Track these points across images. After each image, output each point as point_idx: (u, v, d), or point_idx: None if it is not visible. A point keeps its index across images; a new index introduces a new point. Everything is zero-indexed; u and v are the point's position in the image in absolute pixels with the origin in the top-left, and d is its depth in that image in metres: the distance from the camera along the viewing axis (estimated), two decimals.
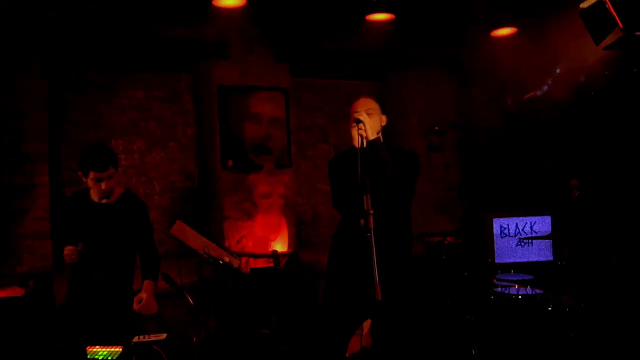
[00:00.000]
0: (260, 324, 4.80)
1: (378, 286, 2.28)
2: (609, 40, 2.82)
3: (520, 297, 3.72)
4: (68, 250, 2.76)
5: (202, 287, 3.47)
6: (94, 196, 2.96)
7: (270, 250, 4.97)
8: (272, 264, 4.86)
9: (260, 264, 5.09)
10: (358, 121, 2.70)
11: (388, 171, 2.74)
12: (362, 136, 2.68)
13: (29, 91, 4.58)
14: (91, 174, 2.81)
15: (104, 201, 2.96)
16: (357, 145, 2.67)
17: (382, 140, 2.92)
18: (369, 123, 2.73)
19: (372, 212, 2.39)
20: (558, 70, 6.47)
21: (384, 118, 2.93)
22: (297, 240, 5.60)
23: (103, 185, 2.84)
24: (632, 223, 4.16)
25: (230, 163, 5.09)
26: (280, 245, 5.16)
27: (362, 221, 2.42)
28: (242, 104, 5.20)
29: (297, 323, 4.84)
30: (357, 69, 6.10)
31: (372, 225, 2.37)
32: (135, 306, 2.79)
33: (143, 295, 2.83)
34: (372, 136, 2.74)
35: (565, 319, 3.62)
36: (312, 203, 6.12)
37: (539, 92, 6.68)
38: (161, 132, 5.38)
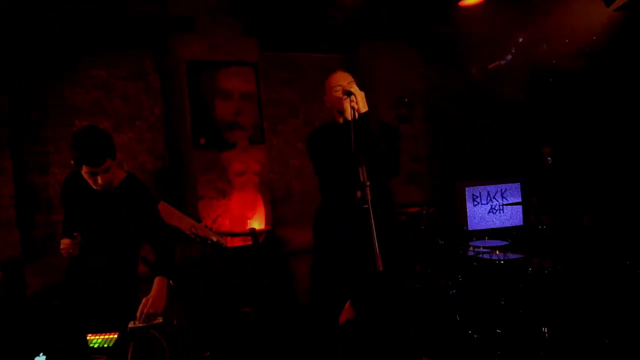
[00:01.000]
0: (241, 303, 4.76)
1: (379, 257, 2.26)
2: (620, 1, 2.83)
3: (502, 262, 3.81)
4: (64, 244, 2.53)
5: (188, 268, 3.39)
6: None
7: (247, 228, 4.90)
8: (248, 242, 4.81)
9: (237, 242, 5.03)
10: (349, 93, 2.66)
11: (380, 143, 2.72)
12: (354, 108, 2.64)
13: None
14: (84, 168, 2.49)
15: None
16: (349, 118, 2.64)
17: None
18: (360, 95, 2.70)
19: (368, 183, 2.37)
20: (520, 40, 6.57)
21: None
22: (273, 217, 5.55)
23: (99, 180, 2.52)
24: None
25: (202, 141, 4.96)
26: (257, 223, 5.10)
27: (358, 193, 2.39)
28: (211, 80, 5.05)
29: (279, 301, 4.83)
30: (326, 42, 6.01)
31: (369, 197, 2.34)
32: (138, 312, 2.42)
33: (149, 296, 2.51)
34: (363, 109, 2.71)
35: (546, 281, 3.74)
36: (284, 180, 6.06)
37: (503, 62, 6.79)
38: (127, 111, 5.16)
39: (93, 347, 2.27)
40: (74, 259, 2.67)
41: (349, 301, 4.65)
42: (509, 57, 6.69)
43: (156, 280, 2.61)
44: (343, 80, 2.80)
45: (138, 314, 2.40)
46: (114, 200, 2.70)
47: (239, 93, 5.19)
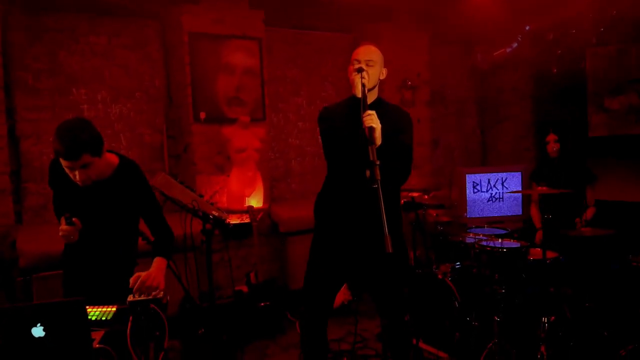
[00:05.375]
0: (237, 281, 4.72)
1: (388, 238, 2.20)
2: None
3: (504, 250, 3.77)
4: (64, 231, 2.41)
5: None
6: None
7: (245, 206, 4.83)
8: (244, 220, 4.74)
9: (233, 219, 4.96)
10: (361, 70, 2.58)
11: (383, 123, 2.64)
12: (364, 85, 2.56)
13: None
14: (62, 161, 2.35)
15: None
16: (359, 95, 2.56)
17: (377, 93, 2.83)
18: (369, 74, 2.62)
19: (378, 162, 2.30)
20: (527, 27, 6.50)
21: (384, 71, 2.80)
22: (270, 196, 5.49)
23: (77, 175, 2.37)
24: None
25: (202, 115, 4.86)
26: (255, 201, 5.03)
27: (367, 172, 2.32)
28: (214, 54, 4.93)
29: (273, 279, 4.79)
30: (331, 20, 5.90)
31: (379, 177, 2.27)
32: (132, 282, 2.35)
33: (149, 272, 2.42)
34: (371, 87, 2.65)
35: (547, 271, 3.71)
36: (284, 158, 5.98)
37: (508, 50, 6.72)
38: (127, 81, 5.04)
39: (90, 319, 2.21)
40: (69, 250, 2.67)
41: (345, 284, 4.63)
42: (515, 44, 6.62)
43: (156, 259, 2.55)
44: (363, 56, 2.69)
45: (132, 283, 2.34)
46: (108, 190, 2.59)
47: (242, 68, 5.08)
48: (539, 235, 4.51)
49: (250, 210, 4.61)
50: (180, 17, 4.83)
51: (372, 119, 2.40)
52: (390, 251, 2.19)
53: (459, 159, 7.18)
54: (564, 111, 6.34)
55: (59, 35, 4.75)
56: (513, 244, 3.91)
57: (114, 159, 2.65)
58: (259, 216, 4.69)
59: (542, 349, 3.41)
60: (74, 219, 2.44)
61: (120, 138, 5.03)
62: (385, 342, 3.19)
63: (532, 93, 6.91)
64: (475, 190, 5.63)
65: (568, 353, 3.50)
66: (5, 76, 4.40)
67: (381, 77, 2.78)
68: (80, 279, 2.70)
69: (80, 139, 2.31)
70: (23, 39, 4.59)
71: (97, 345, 2.00)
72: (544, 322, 3.48)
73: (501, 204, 5.64)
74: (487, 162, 7.40)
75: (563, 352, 3.49)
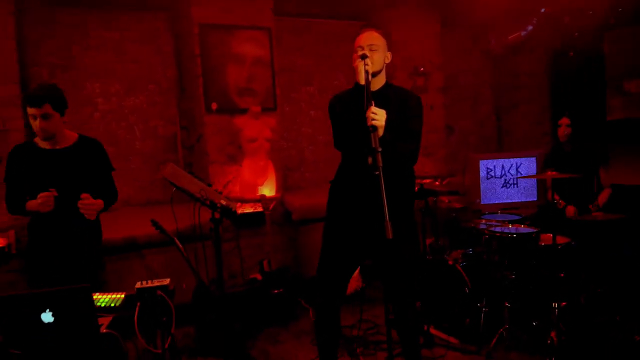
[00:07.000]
0: (251, 269, 4.79)
1: (388, 224, 2.22)
2: None
3: (514, 235, 3.75)
4: (44, 197, 2.65)
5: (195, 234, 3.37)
6: (41, 143, 2.86)
7: (258, 195, 4.88)
8: (257, 209, 4.79)
9: (247, 208, 5.02)
10: (364, 56, 2.58)
11: (392, 109, 2.64)
12: (367, 72, 2.56)
13: None
14: (28, 109, 2.72)
15: (57, 147, 2.85)
16: (362, 82, 2.56)
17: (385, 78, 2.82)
18: (372, 60, 2.62)
19: (380, 149, 2.31)
20: (543, 10, 6.38)
21: (388, 55, 2.79)
22: (283, 185, 5.53)
23: (37, 123, 2.72)
24: None
25: (214, 106, 4.90)
26: (267, 190, 5.07)
27: (369, 159, 2.34)
28: (224, 44, 4.95)
29: (286, 267, 4.84)
30: (341, 8, 5.87)
31: (380, 163, 2.28)
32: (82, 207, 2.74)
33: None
34: (376, 71, 2.65)
35: (558, 256, 3.68)
36: (297, 148, 6.01)
37: (523, 33, 6.61)
38: (140, 74, 5.11)
39: (100, 306, 2.28)
40: (35, 223, 2.87)
41: (358, 270, 4.65)
42: (530, 28, 6.51)
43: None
44: (365, 41, 2.70)
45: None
46: (71, 159, 2.86)
47: (252, 58, 5.10)
48: (570, 210, 4.40)
49: (262, 199, 4.66)
50: (190, 8, 4.86)
51: (375, 117, 2.38)
52: (391, 237, 2.21)
53: (474, 145, 7.12)
54: (582, 95, 6.24)
55: (72, 31, 4.83)
56: (524, 229, 3.89)
57: (74, 134, 2.98)
58: (272, 205, 4.73)
59: (552, 334, 3.40)
60: (50, 188, 2.69)
61: (135, 130, 5.11)
62: (391, 327, 3.20)
63: (548, 77, 6.81)
64: (489, 176, 5.57)
65: (579, 338, 3.48)
66: (22, 71, 4.49)
67: (386, 61, 2.78)
68: (46, 256, 2.87)
69: (45, 90, 2.74)
70: (38, 34, 4.68)
71: (105, 330, 2.06)
72: (555, 308, 3.46)
73: (515, 189, 5.58)
74: (503, 147, 7.33)
75: (574, 338, 3.48)
